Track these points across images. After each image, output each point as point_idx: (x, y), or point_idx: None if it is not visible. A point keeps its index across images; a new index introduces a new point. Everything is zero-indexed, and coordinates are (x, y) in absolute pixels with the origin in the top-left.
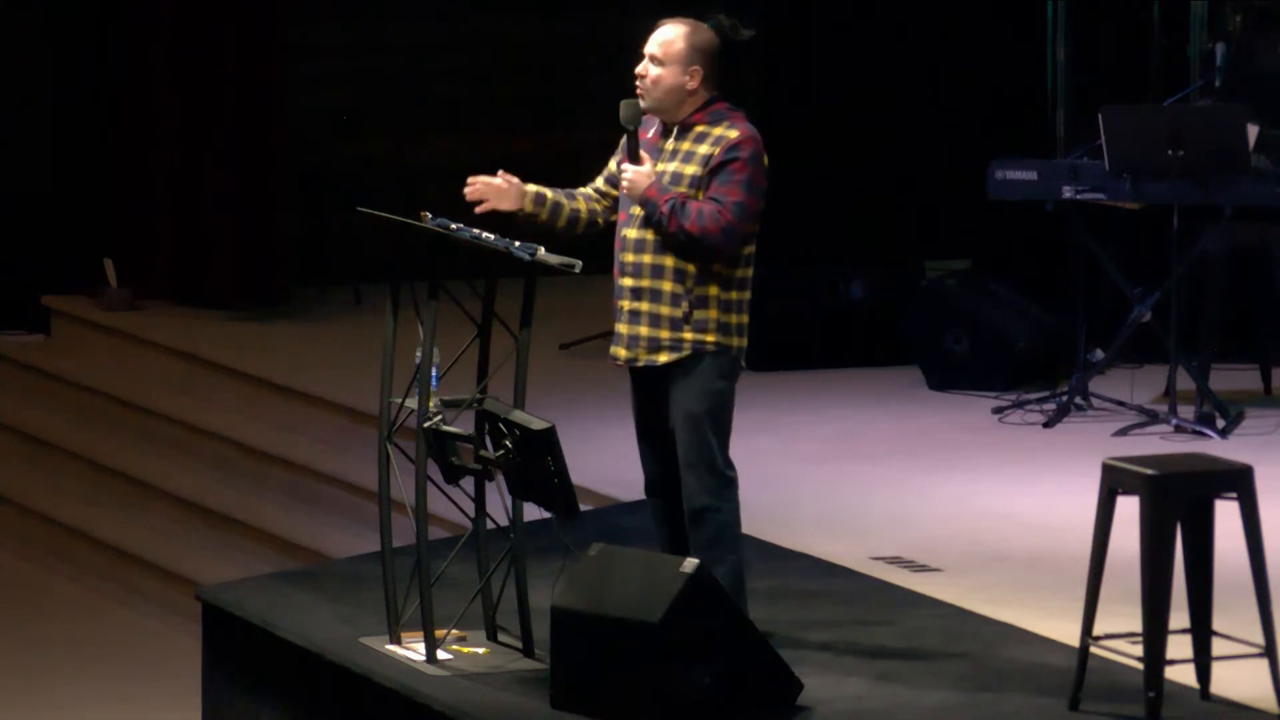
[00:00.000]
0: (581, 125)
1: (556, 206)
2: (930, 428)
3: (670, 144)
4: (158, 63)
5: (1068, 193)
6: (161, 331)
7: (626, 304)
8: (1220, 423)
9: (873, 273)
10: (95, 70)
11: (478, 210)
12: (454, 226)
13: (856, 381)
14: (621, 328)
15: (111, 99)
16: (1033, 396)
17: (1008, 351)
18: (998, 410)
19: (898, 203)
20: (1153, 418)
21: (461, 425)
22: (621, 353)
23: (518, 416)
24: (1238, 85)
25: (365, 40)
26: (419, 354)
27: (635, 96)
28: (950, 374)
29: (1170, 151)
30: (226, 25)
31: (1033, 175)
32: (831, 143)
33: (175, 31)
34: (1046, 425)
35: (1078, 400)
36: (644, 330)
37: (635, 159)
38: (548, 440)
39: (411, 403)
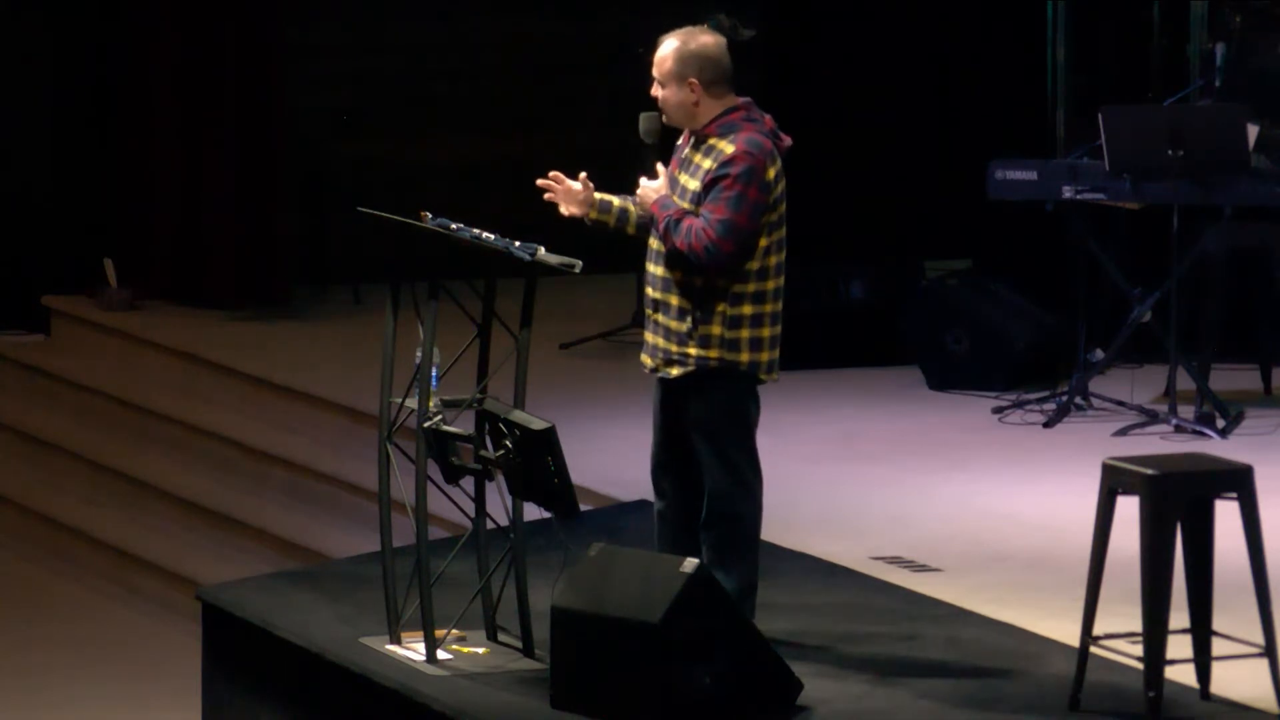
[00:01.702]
0: (582, 126)
1: (624, 213)
2: (930, 428)
3: (688, 153)
4: (158, 63)
5: (1068, 193)
6: (161, 331)
7: (649, 313)
8: (1220, 423)
9: (873, 273)
10: (95, 70)
11: (547, 197)
12: (454, 226)
13: (856, 381)
14: (647, 336)
15: (111, 99)
16: (1033, 396)
17: (1008, 351)
18: (998, 410)
19: (898, 203)
20: (1153, 418)
21: (461, 425)
22: (648, 360)
23: (518, 416)
24: (1238, 85)
25: (365, 40)
26: (419, 354)
27: (655, 109)
28: (950, 374)
29: (1170, 151)
30: (226, 25)
31: (1033, 175)
32: (832, 142)
33: (175, 31)
34: (1046, 425)
35: (1078, 400)
36: (661, 341)
37: (650, 173)
38: (548, 440)
39: (411, 403)
